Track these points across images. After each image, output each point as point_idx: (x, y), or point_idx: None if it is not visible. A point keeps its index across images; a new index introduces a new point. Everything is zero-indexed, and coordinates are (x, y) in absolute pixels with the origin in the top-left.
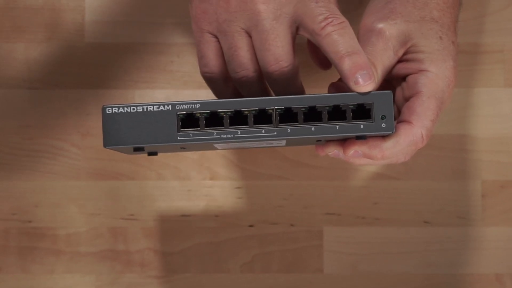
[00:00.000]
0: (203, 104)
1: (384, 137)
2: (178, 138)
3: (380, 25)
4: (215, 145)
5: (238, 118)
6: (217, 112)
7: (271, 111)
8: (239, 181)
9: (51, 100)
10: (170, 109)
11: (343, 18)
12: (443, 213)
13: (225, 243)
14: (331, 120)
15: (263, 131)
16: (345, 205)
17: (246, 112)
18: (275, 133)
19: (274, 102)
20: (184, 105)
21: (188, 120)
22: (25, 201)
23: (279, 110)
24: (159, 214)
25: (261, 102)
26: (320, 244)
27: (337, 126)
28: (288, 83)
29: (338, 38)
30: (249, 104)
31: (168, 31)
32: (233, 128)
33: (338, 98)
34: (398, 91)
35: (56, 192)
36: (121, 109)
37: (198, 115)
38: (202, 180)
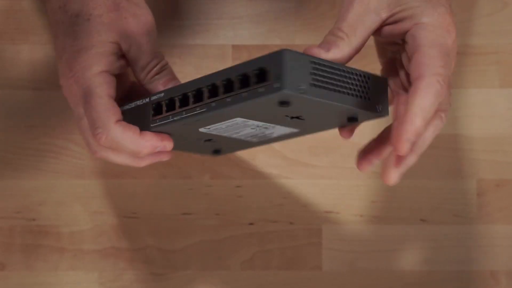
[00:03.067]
0: (166, 92)
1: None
2: (151, 125)
3: None
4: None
5: (184, 101)
6: (173, 97)
7: (203, 89)
8: (239, 180)
9: (55, 100)
10: (148, 101)
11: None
12: (440, 212)
13: (225, 241)
14: (241, 89)
15: (197, 109)
16: (344, 203)
17: (189, 93)
18: (205, 109)
19: (204, 80)
20: (155, 96)
21: (158, 108)
22: (30, 200)
23: (209, 87)
24: (161, 212)
25: (197, 82)
26: (318, 242)
27: (245, 93)
28: None
29: None
30: (191, 85)
31: (170, 33)
32: (180, 110)
33: (245, 66)
34: (404, 57)
35: (60, 190)
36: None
37: (162, 102)
38: (203, 179)
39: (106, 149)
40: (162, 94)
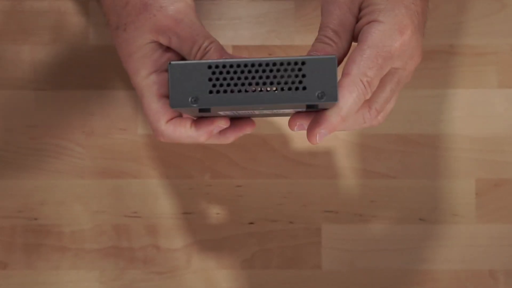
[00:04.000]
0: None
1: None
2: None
3: None
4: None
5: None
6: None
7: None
8: (240, 179)
9: (56, 100)
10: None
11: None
12: (438, 211)
13: (225, 240)
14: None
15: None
16: (343, 203)
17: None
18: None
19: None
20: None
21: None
22: (31, 199)
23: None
24: (161, 212)
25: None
26: (318, 241)
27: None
28: None
29: None
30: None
31: None
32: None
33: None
34: None
35: (61, 190)
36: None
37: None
38: (203, 179)
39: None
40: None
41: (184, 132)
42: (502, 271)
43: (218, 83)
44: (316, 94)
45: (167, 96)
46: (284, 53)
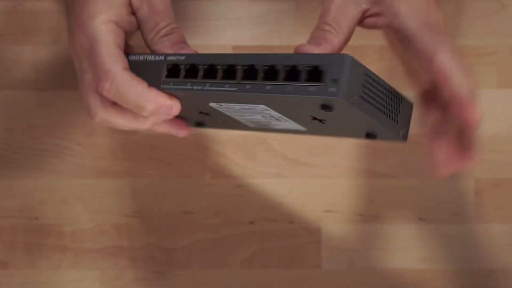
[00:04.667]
0: (187, 56)
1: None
2: (161, 86)
3: None
4: (242, 123)
5: (211, 72)
6: (195, 64)
7: (238, 67)
8: (240, 179)
9: (57, 100)
10: (163, 59)
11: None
12: (438, 210)
13: (226, 239)
14: (286, 81)
15: (227, 86)
16: (343, 203)
17: (218, 67)
18: (236, 89)
19: (240, 59)
20: (173, 57)
21: (173, 70)
22: (32, 199)
23: (245, 67)
24: (162, 211)
25: (230, 58)
26: (318, 241)
27: (290, 87)
28: None
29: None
30: (222, 59)
31: None
32: (203, 81)
33: (296, 58)
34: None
35: (62, 190)
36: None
37: (181, 66)
38: (204, 178)
39: (107, 109)
40: (183, 58)
41: (137, 87)
42: (501, 270)
43: (366, 91)
44: (400, 131)
45: (121, 48)
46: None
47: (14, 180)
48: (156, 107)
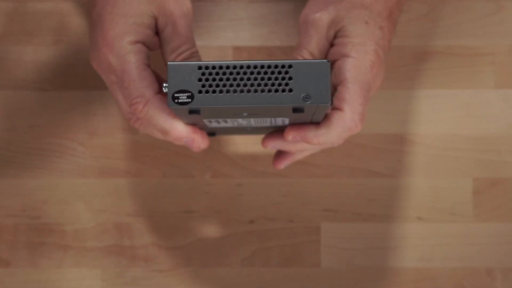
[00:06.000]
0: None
1: (318, 124)
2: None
3: (314, 16)
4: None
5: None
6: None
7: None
8: (240, 178)
9: (59, 101)
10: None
11: (140, 112)
12: (436, 210)
13: (226, 238)
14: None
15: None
16: (342, 202)
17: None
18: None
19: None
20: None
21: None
22: (34, 198)
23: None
24: (163, 211)
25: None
26: (317, 240)
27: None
28: None
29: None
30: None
31: None
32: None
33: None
34: (332, 77)
35: (63, 189)
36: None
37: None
38: (204, 178)
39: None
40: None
41: (167, 115)
42: (499, 269)
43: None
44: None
45: (150, 68)
46: (284, 54)
47: (16, 180)
48: (180, 137)
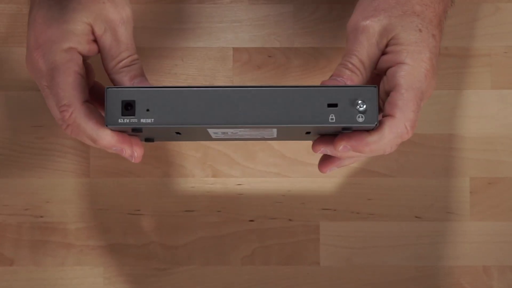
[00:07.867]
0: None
1: (370, 131)
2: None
3: (365, 23)
4: (211, 134)
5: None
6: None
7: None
8: (240, 178)
9: None
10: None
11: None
12: (434, 209)
13: (226, 237)
14: None
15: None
16: (341, 201)
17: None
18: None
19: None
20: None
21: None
22: (37, 197)
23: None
24: (164, 210)
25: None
26: (316, 238)
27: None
28: None
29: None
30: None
31: (173, 36)
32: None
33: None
34: (381, 84)
35: (66, 188)
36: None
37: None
38: (205, 177)
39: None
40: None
41: (94, 124)
42: (495, 267)
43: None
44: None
45: (81, 76)
46: (283, 55)
47: (20, 179)
48: (106, 146)
